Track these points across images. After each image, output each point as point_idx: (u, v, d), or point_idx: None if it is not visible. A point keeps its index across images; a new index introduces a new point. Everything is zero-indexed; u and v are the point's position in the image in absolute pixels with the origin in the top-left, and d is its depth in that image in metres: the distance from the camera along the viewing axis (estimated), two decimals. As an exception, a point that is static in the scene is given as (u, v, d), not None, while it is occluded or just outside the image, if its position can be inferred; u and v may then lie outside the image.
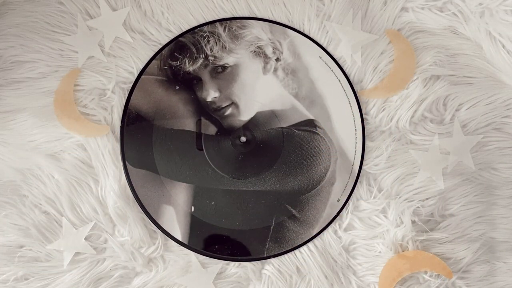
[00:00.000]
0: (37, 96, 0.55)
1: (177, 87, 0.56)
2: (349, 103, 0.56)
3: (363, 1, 0.57)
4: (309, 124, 0.56)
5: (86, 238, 0.55)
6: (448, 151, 0.56)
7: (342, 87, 0.57)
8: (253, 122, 0.56)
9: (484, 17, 0.56)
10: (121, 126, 0.56)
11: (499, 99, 0.57)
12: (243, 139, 0.56)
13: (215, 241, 0.55)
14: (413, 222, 0.55)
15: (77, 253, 0.55)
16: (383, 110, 0.57)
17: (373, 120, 0.57)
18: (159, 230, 0.55)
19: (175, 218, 0.55)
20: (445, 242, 0.56)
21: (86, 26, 0.56)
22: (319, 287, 0.55)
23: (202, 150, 0.55)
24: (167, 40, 0.57)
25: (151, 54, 0.56)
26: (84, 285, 0.54)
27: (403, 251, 0.55)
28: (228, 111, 0.56)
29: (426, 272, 0.55)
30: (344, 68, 0.57)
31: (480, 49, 0.57)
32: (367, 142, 0.56)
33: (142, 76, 0.56)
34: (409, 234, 0.55)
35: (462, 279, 0.56)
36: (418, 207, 0.55)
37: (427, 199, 0.56)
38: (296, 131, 0.56)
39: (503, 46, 0.56)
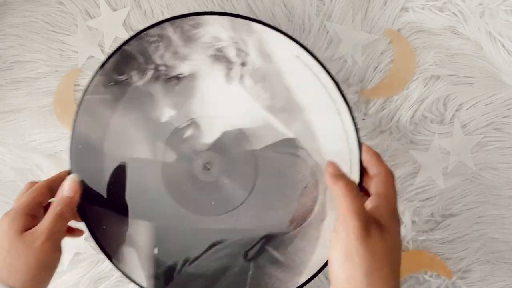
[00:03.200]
0: (37, 96, 0.55)
1: (126, 107, 0.45)
2: (339, 113, 0.44)
3: (363, 1, 0.57)
4: (289, 144, 0.45)
5: (86, 238, 0.54)
6: (448, 151, 0.56)
7: (329, 94, 0.44)
8: (219, 145, 0.46)
9: (484, 17, 0.56)
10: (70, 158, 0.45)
11: (499, 99, 0.57)
12: (208, 166, 0.46)
13: None
14: (413, 222, 0.55)
15: (77, 253, 0.55)
16: (383, 110, 0.57)
17: (373, 120, 0.57)
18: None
19: (137, 262, 0.45)
20: (445, 242, 0.56)
21: (86, 26, 0.56)
22: None
23: (160, 181, 0.46)
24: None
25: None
26: (84, 285, 0.54)
27: (403, 251, 0.55)
28: (188, 132, 0.46)
29: (426, 272, 0.55)
30: (344, 68, 0.56)
31: (480, 49, 0.57)
32: (367, 142, 0.56)
33: (85, 97, 0.45)
34: (409, 234, 0.55)
35: (462, 279, 0.56)
36: (418, 207, 0.55)
37: (427, 199, 0.56)
38: (273, 153, 0.46)
39: (503, 46, 0.56)
